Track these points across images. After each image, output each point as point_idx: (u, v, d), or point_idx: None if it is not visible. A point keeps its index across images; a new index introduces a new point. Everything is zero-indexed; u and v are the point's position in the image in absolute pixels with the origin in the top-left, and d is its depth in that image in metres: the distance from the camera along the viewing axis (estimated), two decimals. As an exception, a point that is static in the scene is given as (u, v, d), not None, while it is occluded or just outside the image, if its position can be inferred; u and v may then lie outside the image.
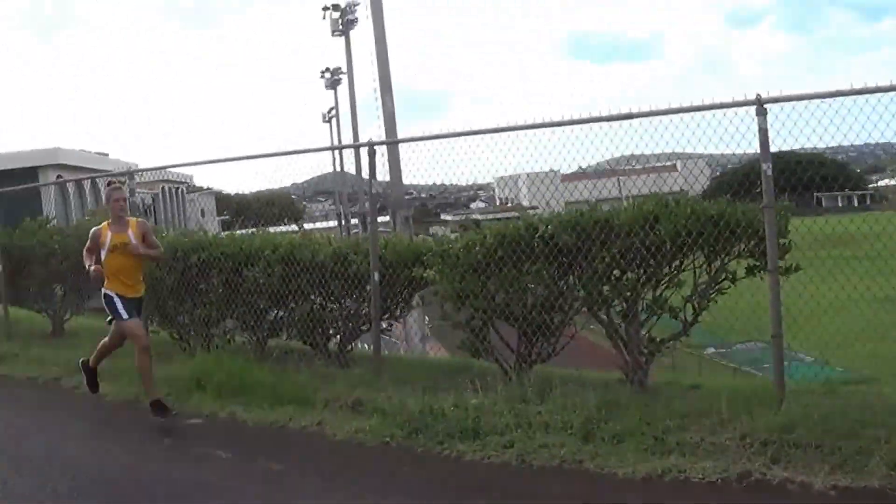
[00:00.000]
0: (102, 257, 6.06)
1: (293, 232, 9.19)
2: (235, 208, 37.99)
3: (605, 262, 5.34)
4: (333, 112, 42.07)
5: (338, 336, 7.10)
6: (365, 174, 7.00)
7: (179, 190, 39.67)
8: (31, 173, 26.42)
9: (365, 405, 5.69)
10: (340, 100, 41.48)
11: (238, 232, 8.09)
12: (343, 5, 32.48)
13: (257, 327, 7.32)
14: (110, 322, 6.16)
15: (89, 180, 28.85)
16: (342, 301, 6.92)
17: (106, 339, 6.39)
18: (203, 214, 31.63)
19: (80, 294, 9.83)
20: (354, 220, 33.46)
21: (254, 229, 8.19)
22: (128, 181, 8.05)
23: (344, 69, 36.30)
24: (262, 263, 6.99)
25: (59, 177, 26.32)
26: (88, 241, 6.22)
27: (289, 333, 7.29)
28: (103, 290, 6.06)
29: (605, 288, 5.52)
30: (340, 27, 33.04)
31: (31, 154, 29.45)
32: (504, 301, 5.77)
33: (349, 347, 7.11)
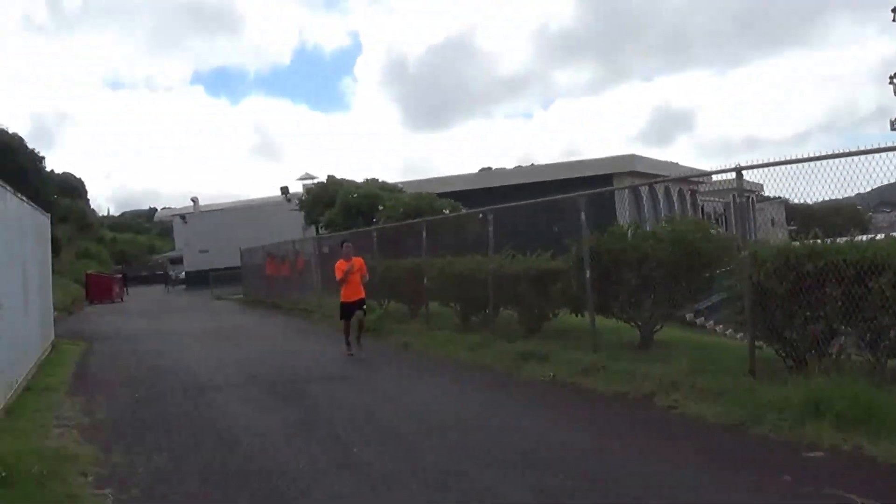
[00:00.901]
0: None
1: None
2: (801, 218, 36.38)
3: None
4: (909, 117, 38.41)
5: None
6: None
7: (750, 199, 39.08)
8: (606, 180, 26.95)
9: None
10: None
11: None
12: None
13: (877, 346, 6.33)
14: None
15: (663, 186, 29.64)
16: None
17: None
18: (773, 224, 30.24)
19: (672, 304, 9.34)
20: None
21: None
22: (736, 181, 7.49)
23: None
24: (889, 273, 5.97)
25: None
26: None
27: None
28: None
29: None
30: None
31: (608, 161, 30.62)
32: None
33: None
